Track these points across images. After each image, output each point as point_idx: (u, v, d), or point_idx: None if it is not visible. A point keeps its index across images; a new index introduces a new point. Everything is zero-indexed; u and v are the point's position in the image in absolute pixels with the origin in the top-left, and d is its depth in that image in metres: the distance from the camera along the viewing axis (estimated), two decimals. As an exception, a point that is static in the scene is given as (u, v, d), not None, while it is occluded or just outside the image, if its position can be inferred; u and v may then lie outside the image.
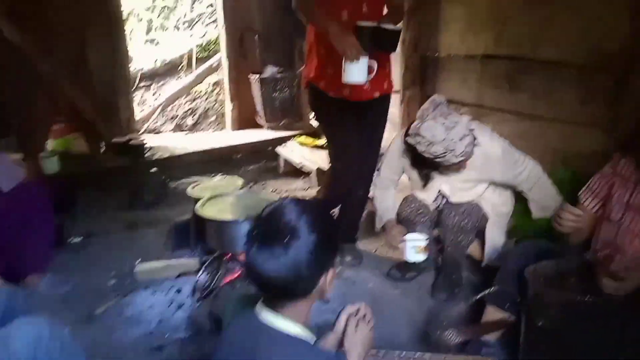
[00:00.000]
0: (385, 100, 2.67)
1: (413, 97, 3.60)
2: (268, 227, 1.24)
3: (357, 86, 2.40)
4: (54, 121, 4.06)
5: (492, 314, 2.09)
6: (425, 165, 2.41)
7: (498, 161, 2.33)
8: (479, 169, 2.37)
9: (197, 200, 2.65)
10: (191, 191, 2.82)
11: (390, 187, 2.70)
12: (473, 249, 2.66)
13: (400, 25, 2.39)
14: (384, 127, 2.73)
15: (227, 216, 2.47)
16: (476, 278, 2.65)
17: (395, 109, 3.35)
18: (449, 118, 2.20)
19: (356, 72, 2.24)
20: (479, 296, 2.02)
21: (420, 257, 2.47)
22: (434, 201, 2.58)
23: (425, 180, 2.55)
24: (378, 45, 2.29)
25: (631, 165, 1.88)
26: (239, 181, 3.00)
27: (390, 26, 2.29)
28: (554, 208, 2.11)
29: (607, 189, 1.96)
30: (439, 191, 2.54)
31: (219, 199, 2.65)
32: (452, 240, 2.51)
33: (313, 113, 3.08)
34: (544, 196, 2.38)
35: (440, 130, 2.17)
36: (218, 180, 3.06)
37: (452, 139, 2.18)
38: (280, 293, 1.25)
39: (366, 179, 2.75)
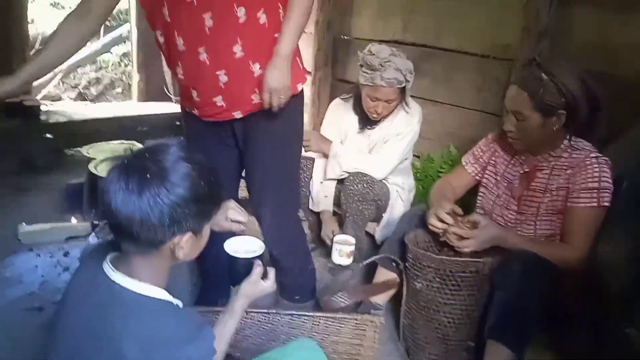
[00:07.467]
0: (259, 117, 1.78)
1: (324, 78, 3.65)
2: (138, 159, 1.08)
3: (206, 103, 1.76)
4: None
5: (382, 276, 2.14)
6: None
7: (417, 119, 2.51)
8: (399, 123, 2.50)
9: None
10: (86, 152, 2.70)
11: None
12: (373, 226, 2.70)
13: None
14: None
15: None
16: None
17: (307, 89, 3.37)
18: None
19: None
20: (368, 261, 2.09)
21: (344, 261, 2.44)
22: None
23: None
24: None
25: None
26: (138, 146, 2.90)
27: None
28: None
29: (488, 155, 2.09)
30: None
31: (115, 161, 2.55)
32: (353, 209, 2.51)
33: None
34: None
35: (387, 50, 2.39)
36: (116, 144, 2.95)
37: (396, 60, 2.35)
38: (128, 236, 1.06)
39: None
